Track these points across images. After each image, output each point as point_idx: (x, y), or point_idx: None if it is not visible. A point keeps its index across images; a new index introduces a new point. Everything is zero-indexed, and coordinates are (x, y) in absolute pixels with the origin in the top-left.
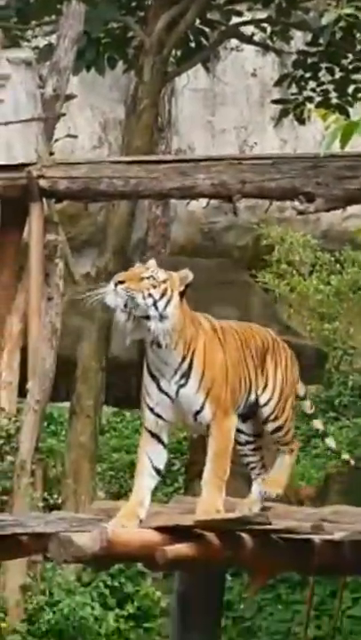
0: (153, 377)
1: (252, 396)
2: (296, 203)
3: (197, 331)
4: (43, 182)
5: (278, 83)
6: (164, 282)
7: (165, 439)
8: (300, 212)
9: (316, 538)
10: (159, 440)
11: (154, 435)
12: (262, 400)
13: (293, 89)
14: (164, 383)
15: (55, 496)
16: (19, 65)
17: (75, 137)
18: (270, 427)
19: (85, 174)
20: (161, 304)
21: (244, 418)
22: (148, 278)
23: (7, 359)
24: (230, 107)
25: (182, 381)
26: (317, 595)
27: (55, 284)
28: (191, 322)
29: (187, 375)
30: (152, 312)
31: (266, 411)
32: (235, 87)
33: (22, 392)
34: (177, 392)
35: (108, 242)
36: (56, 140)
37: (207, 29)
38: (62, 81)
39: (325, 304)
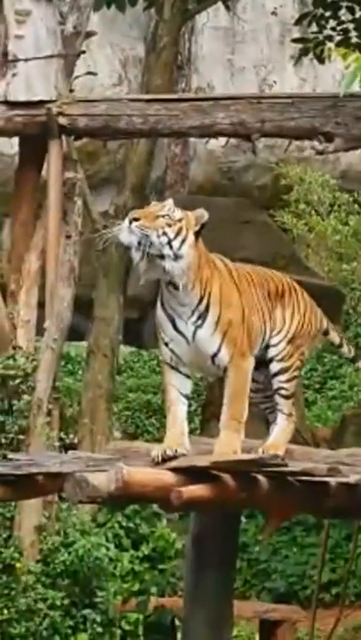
0: (168, 315)
1: (265, 339)
2: (315, 142)
3: (213, 272)
4: (62, 119)
5: (298, 21)
6: (180, 221)
7: (186, 371)
8: (319, 152)
9: (332, 480)
10: (179, 371)
11: (173, 367)
12: (272, 341)
13: (313, 28)
14: (180, 324)
15: (71, 436)
16: (39, 1)
17: (94, 74)
18: (273, 367)
19: (105, 112)
20: (176, 243)
21: (256, 364)
22: (163, 217)
23: (25, 297)
24: (250, 45)
25: (199, 322)
26: (332, 538)
27: (73, 222)
28: (207, 263)
29: (203, 317)
30: (166, 251)
31: (272, 351)
32: (255, 25)
33: (40, 330)
34: (194, 333)
35: (127, 180)
36: (76, 78)
37: None
38: (83, 18)
39: (344, 244)
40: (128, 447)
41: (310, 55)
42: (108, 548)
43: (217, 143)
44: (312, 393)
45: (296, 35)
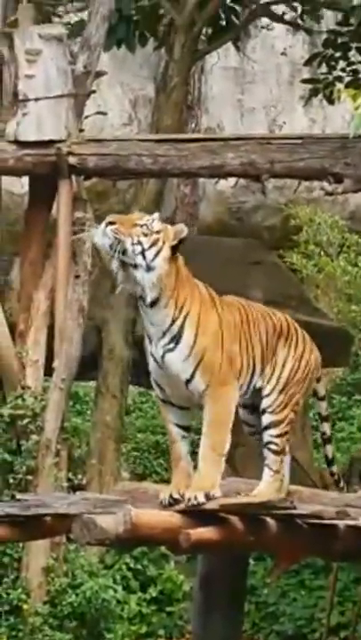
0: (148, 338)
1: (258, 382)
2: (325, 183)
3: (193, 295)
4: (72, 159)
5: (308, 62)
6: (157, 232)
7: (180, 402)
8: (329, 193)
9: (341, 523)
10: (173, 404)
11: (166, 401)
12: (265, 391)
13: (323, 68)
14: (151, 346)
15: (79, 476)
16: (50, 41)
17: (104, 114)
18: (265, 420)
19: (114, 152)
20: (149, 254)
21: (251, 409)
22: (141, 226)
23: (34, 337)
24: (260, 85)
25: (170, 345)
26: (341, 581)
27: (83, 262)
28: (187, 284)
29: (176, 339)
30: (139, 260)
31: (265, 402)
32: (264, 66)
33: (48, 370)
34: (163, 357)
35: None
36: (86, 117)
37: (238, 8)
38: (93, 57)
39: (353, 285)
40: (136, 488)
41: (320, 96)
42: (115, 590)
43: (226, 184)
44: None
45: (306, 75)
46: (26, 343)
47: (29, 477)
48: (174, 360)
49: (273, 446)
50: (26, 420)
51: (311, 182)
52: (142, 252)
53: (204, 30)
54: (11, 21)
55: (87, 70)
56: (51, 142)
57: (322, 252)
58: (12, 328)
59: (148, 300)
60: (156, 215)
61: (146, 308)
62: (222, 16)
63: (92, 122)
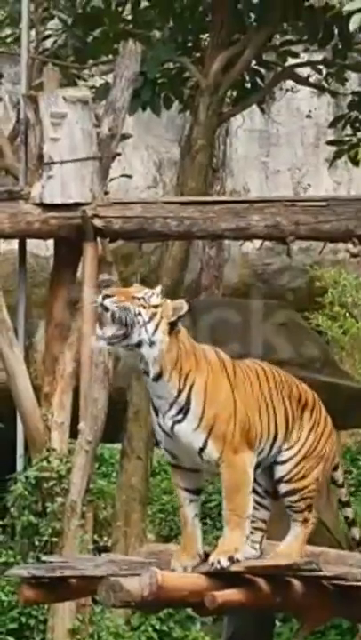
0: (155, 410)
1: (276, 446)
2: (350, 245)
3: (199, 365)
4: (97, 222)
5: (333, 124)
6: (155, 307)
7: (190, 465)
8: (354, 255)
9: None
10: (183, 467)
11: (175, 465)
12: (282, 456)
13: (348, 130)
14: (160, 418)
15: (105, 538)
16: (75, 104)
17: (130, 177)
18: (283, 488)
19: (140, 214)
20: (149, 328)
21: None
22: (139, 299)
23: (59, 399)
24: (285, 148)
25: (179, 417)
26: None
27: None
28: (192, 354)
29: (184, 410)
30: (143, 335)
31: (281, 470)
32: (289, 128)
33: (74, 432)
34: (172, 428)
35: (162, 282)
36: (111, 180)
37: (263, 70)
38: (118, 120)
39: None
40: (162, 550)
41: (345, 158)
42: None
43: (252, 246)
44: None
45: (330, 137)
46: (51, 405)
47: (55, 540)
48: (184, 431)
49: (296, 508)
50: (51, 483)
51: (336, 244)
52: (143, 325)
53: (228, 93)
54: (36, 85)
55: (112, 133)
56: (76, 205)
57: (347, 314)
58: (38, 390)
59: (152, 374)
60: (157, 289)
61: (151, 382)
62: (247, 79)
63: (117, 184)
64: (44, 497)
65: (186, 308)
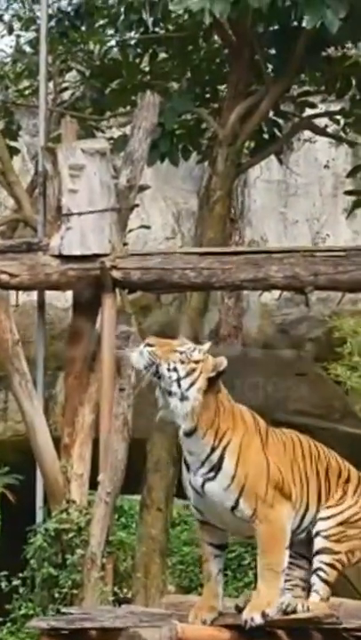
0: (186, 465)
1: (309, 517)
2: None
3: (236, 424)
4: (116, 273)
5: (351, 174)
6: (196, 362)
7: (220, 526)
8: None
9: None
10: (210, 524)
11: (203, 521)
12: (322, 514)
13: None
14: (190, 475)
15: (125, 590)
16: (93, 155)
17: (148, 228)
18: (318, 544)
19: (158, 265)
20: (184, 383)
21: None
22: (180, 353)
23: (79, 451)
24: (303, 198)
25: (210, 475)
26: None
27: (127, 376)
28: (230, 414)
29: (216, 469)
30: (174, 388)
31: (320, 525)
32: (308, 178)
33: (93, 484)
34: (202, 486)
35: (181, 333)
36: (130, 231)
37: (280, 121)
38: (136, 172)
39: None
40: (182, 602)
41: None
42: None
43: (270, 296)
44: None
45: (349, 187)
46: (71, 457)
47: (75, 591)
48: (215, 489)
49: (322, 573)
50: (71, 534)
51: (355, 294)
52: (177, 380)
53: (246, 143)
54: (54, 137)
55: (130, 184)
56: (95, 256)
57: None
58: (57, 442)
59: (184, 429)
60: (205, 346)
61: (183, 437)
62: (265, 129)
63: (135, 235)
64: (64, 549)
65: (225, 364)
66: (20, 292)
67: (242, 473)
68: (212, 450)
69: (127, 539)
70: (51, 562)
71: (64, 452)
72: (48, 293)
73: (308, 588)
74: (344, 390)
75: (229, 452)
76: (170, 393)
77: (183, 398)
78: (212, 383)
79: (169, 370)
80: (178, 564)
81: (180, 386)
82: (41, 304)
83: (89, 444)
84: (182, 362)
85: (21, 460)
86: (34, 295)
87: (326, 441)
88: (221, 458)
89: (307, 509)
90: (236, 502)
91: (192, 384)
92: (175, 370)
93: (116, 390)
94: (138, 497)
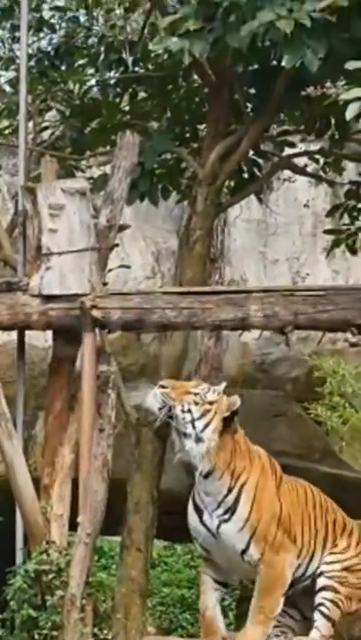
0: (196, 508)
1: (313, 566)
2: (348, 335)
3: (252, 464)
4: (96, 312)
5: (330, 213)
6: (210, 403)
7: (225, 566)
8: (353, 344)
9: None
10: (215, 561)
11: (208, 559)
12: (327, 559)
13: (346, 219)
14: (205, 516)
15: (105, 631)
16: (73, 195)
17: (128, 267)
18: (320, 582)
19: (138, 305)
20: (199, 424)
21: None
22: (195, 394)
23: (58, 491)
24: (283, 237)
25: (226, 516)
26: None
27: (107, 416)
28: (247, 454)
29: (232, 510)
30: (189, 430)
31: (324, 567)
32: (287, 218)
33: (73, 525)
34: (218, 527)
35: (161, 373)
36: (109, 271)
37: (260, 160)
38: (116, 211)
39: None
40: None
41: (343, 247)
42: None
43: (250, 335)
44: None
45: (328, 226)
46: (50, 497)
47: (55, 633)
48: (230, 531)
49: (324, 609)
50: (51, 576)
51: (335, 334)
52: (192, 422)
53: (226, 183)
54: (34, 176)
55: (110, 224)
56: (74, 296)
57: (347, 404)
58: (37, 482)
59: (201, 471)
60: (220, 387)
61: (200, 477)
62: (244, 169)
63: (115, 275)
64: (44, 590)
65: (239, 402)
66: (0, 332)
67: (255, 517)
68: (229, 491)
69: (107, 580)
70: (30, 603)
71: (44, 493)
72: (28, 333)
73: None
74: (324, 430)
75: (245, 494)
76: (185, 434)
77: (198, 440)
78: (227, 423)
79: (183, 411)
80: (158, 605)
81: (194, 427)
82: (21, 344)
83: (69, 484)
84: (196, 403)
85: (1, 501)
86: (14, 335)
87: (307, 481)
88: (237, 500)
89: (312, 557)
90: (247, 545)
91: (207, 425)
92: (189, 411)
93: (95, 430)
94: (118, 538)
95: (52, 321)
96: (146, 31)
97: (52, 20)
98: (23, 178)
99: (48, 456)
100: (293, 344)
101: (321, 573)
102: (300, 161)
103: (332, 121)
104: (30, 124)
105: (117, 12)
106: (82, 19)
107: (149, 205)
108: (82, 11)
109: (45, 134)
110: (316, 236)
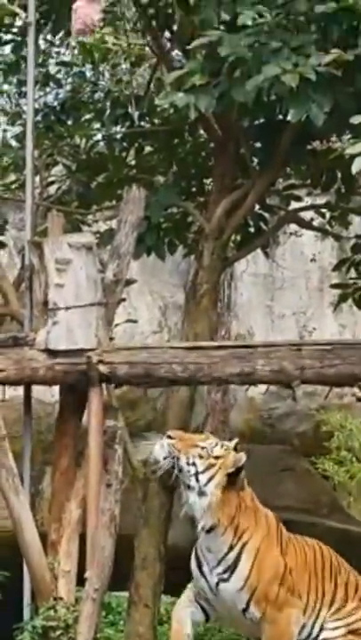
0: (198, 561)
1: (318, 625)
2: (355, 389)
3: (257, 523)
4: (102, 367)
5: (337, 267)
6: (216, 458)
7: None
8: (360, 399)
9: None
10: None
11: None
12: (329, 625)
13: (352, 273)
14: (205, 570)
15: None
16: (80, 249)
17: (135, 322)
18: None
19: (145, 360)
20: (202, 478)
21: None
22: (201, 448)
23: (66, 547)
24: (289, 292)
25: (225, 575)
26: None
27: (114, 471)
28: (253, 513)
29: (231, 569)
30: (192, 482)
31: (326, 633)
32: (294, 272)
33: (81, 581)
34: (217, 585)
35: (168, 427)
36: (116, 325)
37: (266, 214)
38: (123, 265)
39: None
40: None
41: (349, 301)
42: None
43: (257, 390)
44: None
45: (335, 281)
46: (58, 553)
47: None
48: (229, 591)
49: None
50: (58, 632)
51: (342, 388)
52: (195, 475)
53: (233, 237)
54: (40, 231)
55: (117, 278)
56: (81, 351)
57: (354, 459)
58: (44, 538)
59: (203, 525)
60: (232, 443)
61: (202, 532)
62: (251, 223)
63: (122, 330)
64: None
65: (244, 459)
66: (7, 387)
67: (255, 577)
68: (230, 548)
69: (115, 636)
70: None
71: (51, 549)
72: (35, 388)
73: None
74: (332, 485)
75: (246, 553)
76: (189, 487)
77: (201, 493)
78: (232, 479)
79: (188, 464)
80: None
81: (198, 480)
82: (27, 398)
83: (76, 540)
84: (201, 457)
85: (8, 557)
86: (20, 389)
87: (314, 536)
88: (238, 558)
89: (317, 618)
90: (247, 605)
91: (210, 479)
92: (194, 464)
93: (103, 486)
94: (125, 594)
95: (59, 376)
96: (152, 86)
97: (59, 75)
98: (30, 232)
99: (55, 511)
100: (300, 398)
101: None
102: (307, 215)
103: (338, 175)
104: (37, 179)
105: (123, 66)
106: (88, 73)
107: (156, 260)
108: (88, 66)
109: (52, 189)
110: (322, 291)
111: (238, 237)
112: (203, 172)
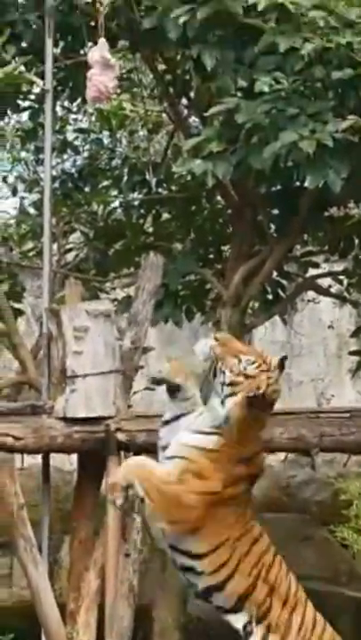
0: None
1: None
2: None
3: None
4: (120, 435)
5: (355, 334)
6: (246, 377)
7: None
8: None
9: None
10: None
11: None
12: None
13: None
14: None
15: None
16: (97, 317)
17: (153, 389)
18: None
19: None
20: (226, 390)
21: None
22: (238, 361)
23: (84, 617)
24: (307, 358)
25: None
26: None
27: (132, 540)
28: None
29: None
30: (219, 389)
31: None
32: (312, 339)
33: None
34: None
35: None
36: (134, 393)
37: (284, 281)
38: (140, 333)
39: None
40: None
41: None
42: None
43: (276, 458)
44: None
45: (353, 347)
46: (76, 623)
47: None
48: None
49: None
50: None
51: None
52: (222, 385)
53: (250, 304)
54: (58, 298)
55: (135, 346)
56: (99, 419)
57: None
58: (63, 608)
59: (214, 423)
60: (275, 360)
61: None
62: (269, 290)
63: (140, 397)
64: None
65: (260, 392)
66: (25, 456)
67: None
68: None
69: None
70: None
71: (69, 619)
72: (53, 456)
73: None
74: (351, 554)
75: None
76: (216, 392)
77: (222, 403)
78: (251, 404)
79: (220, 371)
80: None
81: (222, 390)
82: (46, 467)
83: (95, 610)
84: (232, 370)
85: (27, 627)
86: (38, 458)
87: (333, 605)
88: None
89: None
90: None
91: (230, 395)
92: (223, 373)
93: (121, 555)
94: None
95: (77, 444)
96: (169, 153)
97: (76, 142)
98: (47, 300)
99: (74, 581)
100: (319, 466)
101: None
102: (324, 282)
103: (356, 241)
104: (54, 246)
105: (141, 133)
106: (105, 140)
107: (174, 327)
108: (105, 132)
109: (70, 256)
110: (340, 358)
111: (256, 304)
112: (220, 238)
